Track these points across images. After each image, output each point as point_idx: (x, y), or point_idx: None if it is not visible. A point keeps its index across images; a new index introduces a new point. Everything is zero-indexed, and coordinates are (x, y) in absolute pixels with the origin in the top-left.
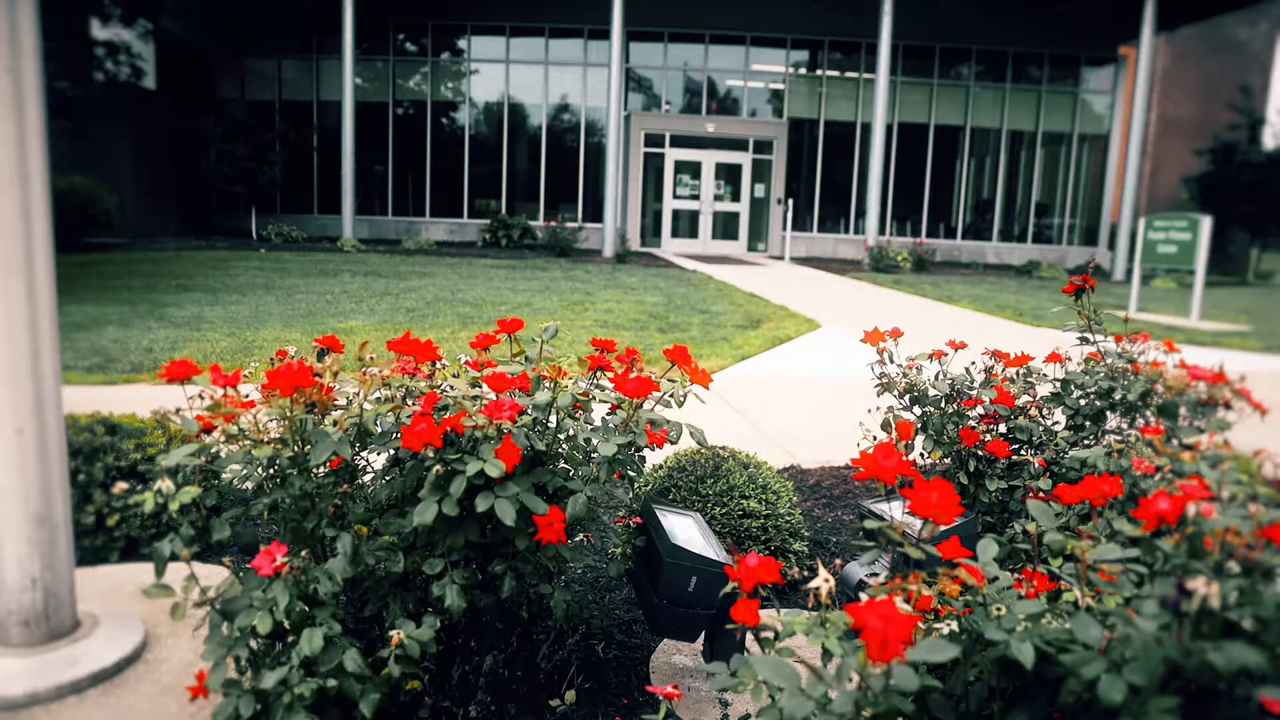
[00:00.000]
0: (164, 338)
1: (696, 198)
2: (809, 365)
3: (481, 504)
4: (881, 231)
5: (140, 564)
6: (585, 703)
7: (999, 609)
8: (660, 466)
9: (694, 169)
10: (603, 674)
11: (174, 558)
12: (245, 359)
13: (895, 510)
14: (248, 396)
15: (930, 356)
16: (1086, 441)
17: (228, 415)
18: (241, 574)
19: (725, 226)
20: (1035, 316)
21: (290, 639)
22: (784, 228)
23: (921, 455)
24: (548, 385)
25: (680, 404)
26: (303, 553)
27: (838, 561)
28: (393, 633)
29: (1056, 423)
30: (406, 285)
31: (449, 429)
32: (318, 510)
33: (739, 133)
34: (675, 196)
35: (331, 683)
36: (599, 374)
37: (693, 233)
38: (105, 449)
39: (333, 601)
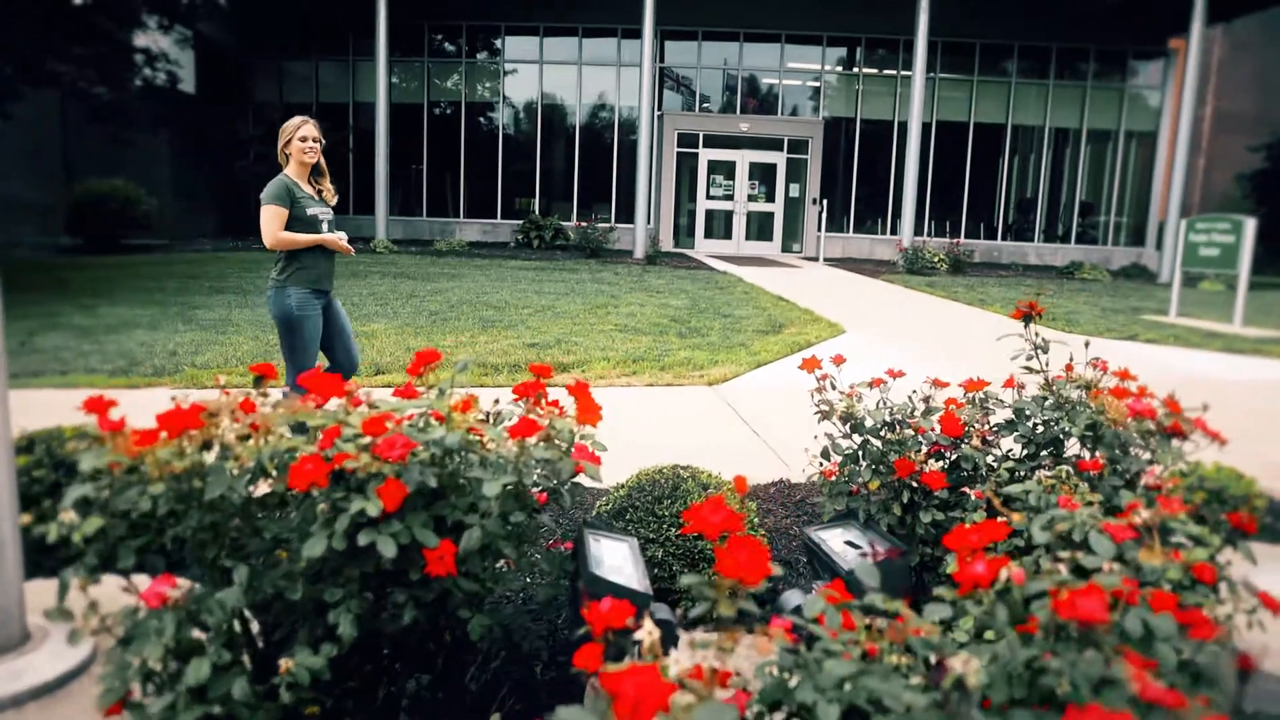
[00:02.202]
0: (189, 341)
1: (730, 198)
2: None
3: (363, 539)
4: (919, 232)
5: (107, 576)
6: None
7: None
8: (621, 486)
9: (728, 169)
10: (536, 696)
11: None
12: (264, 362)
13: (834, 539)
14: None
15: (870, 384)
16: (1039, 472)
17: (113, 464)
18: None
19: (759, 227)
20: (1069, 321)
21: (177, 666)
22: (819, 228)
23: (863, 485)
24: (448, 414)
25: (567, 444)
26: (191, 583)
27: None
28: (281, 661)
29: (1011, 450)
30: (434, 288)
31: (339, 466)
32: (218, 541)
33: (774, 132)
34: (709, 197)
35: (218, 709)
36: (533, 399)
37: (726, 233)
38: None
39: (224, 632)
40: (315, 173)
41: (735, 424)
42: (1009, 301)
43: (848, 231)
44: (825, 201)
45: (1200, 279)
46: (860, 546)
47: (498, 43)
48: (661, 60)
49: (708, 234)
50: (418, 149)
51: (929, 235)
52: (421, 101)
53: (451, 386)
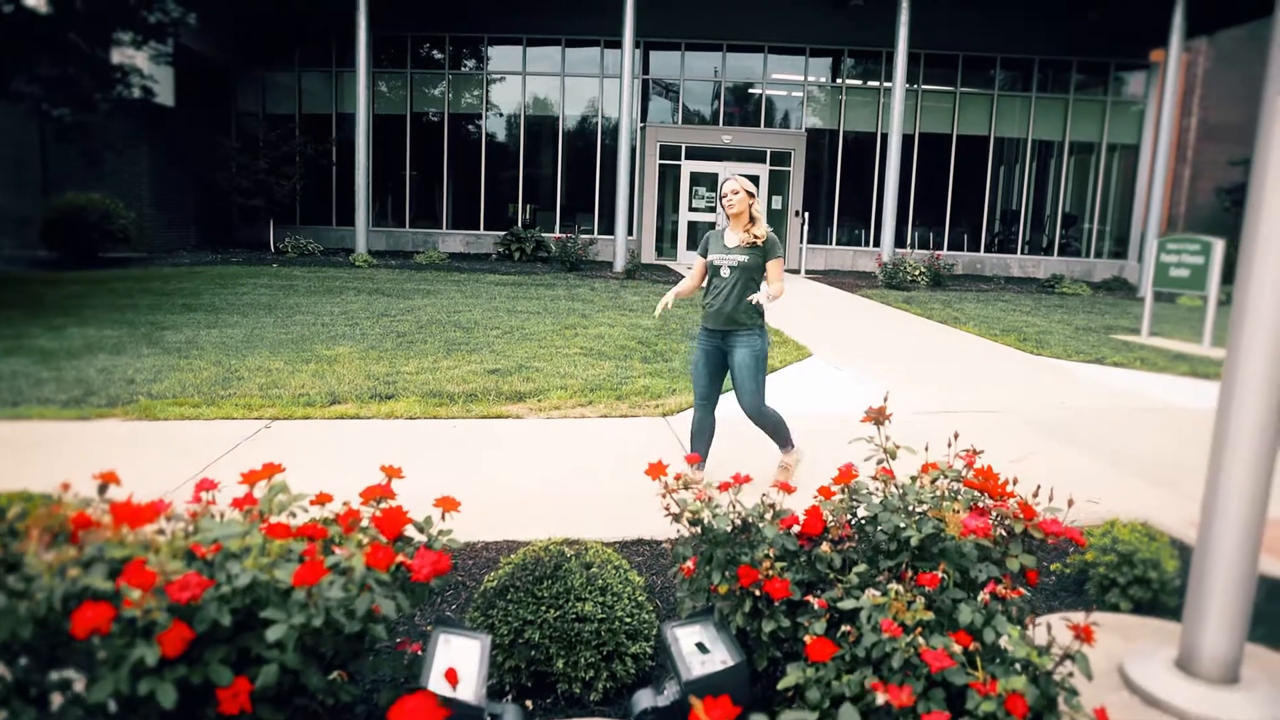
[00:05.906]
0: (150, 366)
1: (713, 210)
2: (783, 403)
3: (143, 687)
4: (901, 244)
5: None
6: None
7: None
8: (509, 561)
9: (710, 181)
10: None
11: None
12: (223, 390)
13: (687, 639)
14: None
15: (719, 488)
16: (870, 590)
17: None
18: None
19: None
20: (1039, 343)
21: None
22: (801, 240)
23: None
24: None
25: (359, 585)
26: None
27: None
28: None
29: (881, 543)
30: (406, 305)
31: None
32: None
33: (756, 144)
34: (691, 209)
35: None
36: (380, 503)
37: None
38: None
39: None
40: (751, 219)
41: (676, 463)
42: (983, 320)
43: (830, 243)
44: (807, 214)
45: (1179, 293)
46: (709, 650)
47: (481, 54)
48: (645, 71)
49: (690, 246)
50: (401, 159)
51: (912, 247)
52: (405, 112)
53: (271, 509)
